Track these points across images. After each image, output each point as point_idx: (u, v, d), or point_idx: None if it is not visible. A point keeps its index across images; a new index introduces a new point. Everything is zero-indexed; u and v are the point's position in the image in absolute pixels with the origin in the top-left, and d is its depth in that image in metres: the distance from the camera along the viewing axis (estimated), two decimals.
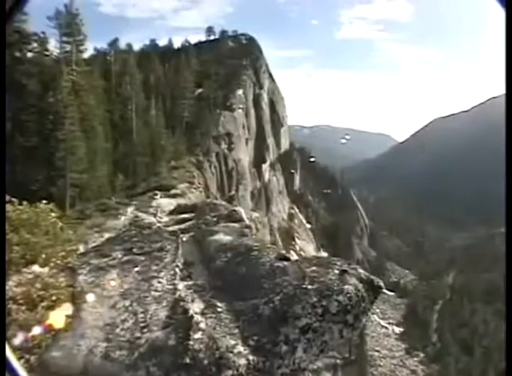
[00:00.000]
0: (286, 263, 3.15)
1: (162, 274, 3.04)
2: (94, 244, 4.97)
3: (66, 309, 2.79)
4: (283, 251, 3.48)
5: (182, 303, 2.80)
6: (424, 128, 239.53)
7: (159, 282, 2.94)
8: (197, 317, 2.73)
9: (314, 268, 3.22)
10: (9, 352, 1.69)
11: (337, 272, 3.21)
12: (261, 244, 3.53)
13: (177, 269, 3.13)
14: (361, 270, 3.31)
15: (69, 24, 35.27)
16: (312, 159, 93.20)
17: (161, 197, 20.29)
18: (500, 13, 1.82)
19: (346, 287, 3.09)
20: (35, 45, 33.73)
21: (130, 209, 15.45)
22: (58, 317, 2.75)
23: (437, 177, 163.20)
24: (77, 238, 5.72)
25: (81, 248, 5.09)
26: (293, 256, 3.39)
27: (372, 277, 3.35)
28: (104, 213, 20.97)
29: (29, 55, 32.96)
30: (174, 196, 20.07)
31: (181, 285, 2.94)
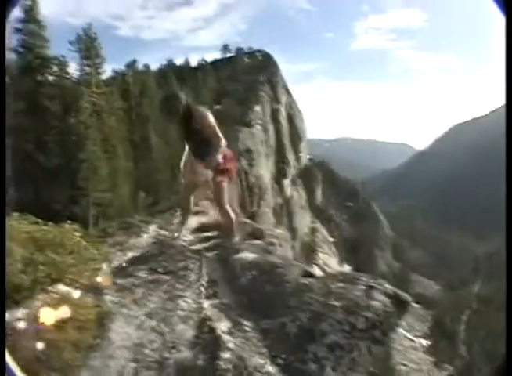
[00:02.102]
0: (311, 280, 3.13)
1: (187, 293, 3.04)
2: (118, 263, 4.98)
3: (94, 329, 2.81)
4: (308, 268, 3.46)
5: (208, 322, 2.79)
6: (443, 135, 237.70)
7: (185, 301, 2.94)
8: (225, 336, 2.72)
9: (340, 284, 3.19)
10: (8, 358, 1.70)
11: (363, 287, 3.18)
12: (285, 261, 3.52)
13: (202, 288, 3.13)
14: (387, 285, 3.26)
15: (88, 48, 36.24)
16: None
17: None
18: (501, 19, 1.82)
19: (373, 302, 3.05)
20: (56, 68, 34.69)
21: (152, 227, 15.49)
22: (86, 337, 2.77)
23: (457, 184, 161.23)
24: (100, 257, 5.76)
25: (105, 267, 5.12)
26: (317, 271, 3.37)
27: (399, 292, 3.30)
28: (126, 231, 21.05)
29: (50, 78, 33.87)
30: (196, 213, 20.08)
31: (206, 304, 2.94)
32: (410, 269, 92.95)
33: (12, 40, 31.91)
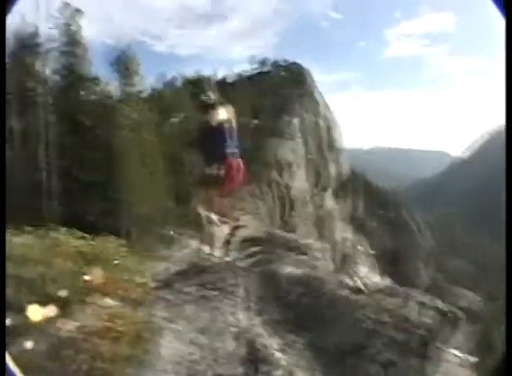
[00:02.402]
0: (362, 296, 3.07)
1: (236, 309, 3.03)
2: (162, 278, 5.04)
3: (146, 344, 2.83)
4: (357, 284, 3.40)
5: (259, 339, 2.77)
6: (481, 141, 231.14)
7: (234, 317, 2.93)
8: (276, 353, 2.70)
9: (390, 300, 3.12)
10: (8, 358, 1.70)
11: (413, 304, 3.10)
12: (333, 276, 3.48)
13: (251, 304, 3.12)
14: (438, 301, 3.17)
15: (126, 66, 37.26)
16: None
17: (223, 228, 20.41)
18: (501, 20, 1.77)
19: (424, 319, 2.97)
20: (96, 87, 35.82)
21: (192, 241, 15.66)
22: (138, 352, 2.80)
23: (495, 190, 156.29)
24: (144, 271, 5.86)
25: (150, 281, 5.19)
26: (360, 284, 3.31)
27: (451, 308, 3.20)
28: (166, 245, 21.39)
29: (91, 97, 34.94)
30: (236, 227, 20.17)
31: (256, 320, 2.92)
32: (452, 280, 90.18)
33: (56, 62, 33.19)
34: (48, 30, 32.25)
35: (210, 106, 5.07)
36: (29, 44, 33.82)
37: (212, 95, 5.16)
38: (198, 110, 5.22)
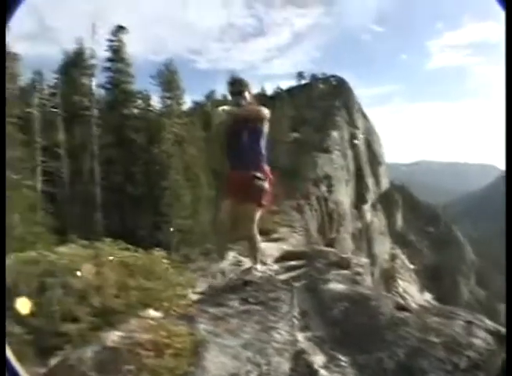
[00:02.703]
0: (406, 314, 2.99)
1: (280, 325, 3.00)
2: (202, 290, 5.06)
3: (190, 357, 2.84)
4: (401, 301, 3.32)
5: (303, 355, 2.73)
6: None
7: (278, 333, 2.89)
8: (322, 371, 2.65)
9: (436, 319, 3.02)
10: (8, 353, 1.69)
11: (462, 323, 2.99)
12: (376, 292, 3.40)
13: (294, 320, 3.08)
14: (488, 321, 3.05)
15: (169, 81, 38.19)
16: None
17: (263, 241, 20.43)
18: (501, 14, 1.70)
19: (474, 340, 2.85)
20: (140, 102, 36.79)
21: (232, 253, 15.66)
22: (182, 365, 2.80)
23: None
24: (185, 283, 5.90)
25: (190, 293, 5.22)
26: (404, 301, 3.20)
27: (500, 328, 3.07)
28: (207, 257, 21.49)
29: (135, 111, 35.89)
30: (275, 240, 20.14)
31: (300, 336, 2.88)
32: (496, 297, 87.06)
33: (100, 77, 34.31)
34: (92, 46, 33.48)
35: (244, 95, 4.56)
36: (78, 60, 35.12)
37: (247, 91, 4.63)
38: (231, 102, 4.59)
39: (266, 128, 4.63)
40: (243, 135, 4.47)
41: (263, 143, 4.60)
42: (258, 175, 4.47)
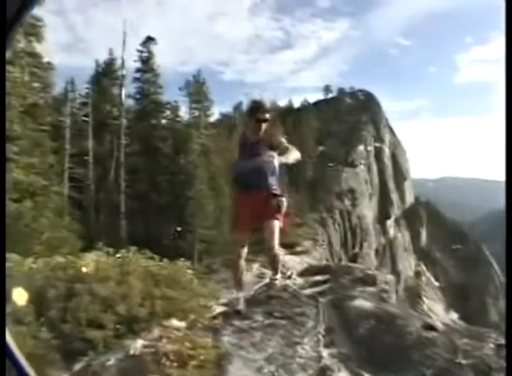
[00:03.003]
0: (434, 334, 2.93)
1: (305, 340, 2.97)
2: (229, 302, 5.05)
3: (213, 369, 2.83)
4: (430, 320, 3.26)
5: (328, 372, 2.69)
6: None
7: (303, 348, 2.87)
8: None
9: (465, 340, 2.95)
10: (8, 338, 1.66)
11: (492, 346, 2.91)
12: (404, 310, 3.35)
13: (320, 336, 3.04)
14: None
15: (197, 92, 38.76)
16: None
17: (286, 254, 20.46)
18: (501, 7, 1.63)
19: (504, 363, 2.78)
20: (168, 112, 37.30)
21: (255, 266, 15.69)
22: None
23: None
24: (209, 294, 5.90)
25: (214, 304, 5.22)
26: (439, 324, 3.14)
27: None
28: (230, 268, 21.54)
29: (163, 121, 36.38)
30: (299, 253, 20.13)
31: (325, 353, 2.85)
32: None
33: (130, 88, 34.95)
34: (122, 56, 34.16)
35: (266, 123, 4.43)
36: (109, 71, 35.86)
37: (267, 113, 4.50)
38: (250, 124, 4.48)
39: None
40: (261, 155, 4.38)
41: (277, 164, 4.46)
42: (275, 192, 4.41)
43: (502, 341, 3.05)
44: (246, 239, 4.56)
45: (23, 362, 1.63)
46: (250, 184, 4.38)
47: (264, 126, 4.39)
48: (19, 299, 3.63)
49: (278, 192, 4.42)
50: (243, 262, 4.47)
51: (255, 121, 4.38)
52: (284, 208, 4.41)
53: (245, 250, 4.51)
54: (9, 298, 3.10)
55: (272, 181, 4.41)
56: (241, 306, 3.92)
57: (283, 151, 4.35)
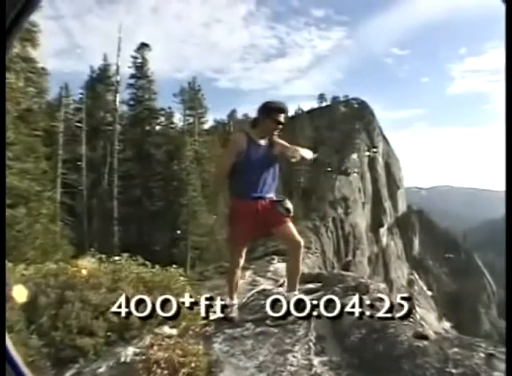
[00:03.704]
0: (425, 343, 2.95)
1: (296, 348, 2.97)
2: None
3: None
4: (421, 329, 3.27)
5: None
6: None
7: (294, 356, 2.87)
8: None
9: (456, 349, 2.96)
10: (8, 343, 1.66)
11: (482, 355, 2.93)
12: (396, 320, 3.36)
13: (311, 344, 3.05)
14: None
15: (192, 99, 38.90)
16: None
17: (278, 262, 20.41)
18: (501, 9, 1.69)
19: (495, 373, 2.79)
20: (162, 119, 37.39)
21: (248, 273, 15.64)
22: None
23: None
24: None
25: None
26: (431, 333, 3.15)
27: None
28: (223, 275, 21.48)
29: (157, 128, 36.42)
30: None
31: (316, 361, 2.86)
32: None
33: (124, 94, 34.99)
34: (117, 63, 34.25)
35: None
36: (103, 77, 35.88)
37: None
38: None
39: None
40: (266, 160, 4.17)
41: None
42: (279, 199, 4.19)
43: (492, 350, 3.07)
44: (245, 248, 4.29)
45: (23, 367, 1.64)
46: (255, 191, 4.07)
47: (278, 130, 4.16)
48: (19, 297, 3.62)
49: (280, 198, 4.24)
50: (239, 271, 4.32)
51: (272, 121, 4.09)
52: (292, 211, 4.16)
53: (243, 259, 4.29)
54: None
55: (275, 187, 4.26)
56: (234, 314, 3.85)
57: (293, 151, 4.04)
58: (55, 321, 3.90)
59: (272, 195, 4.19)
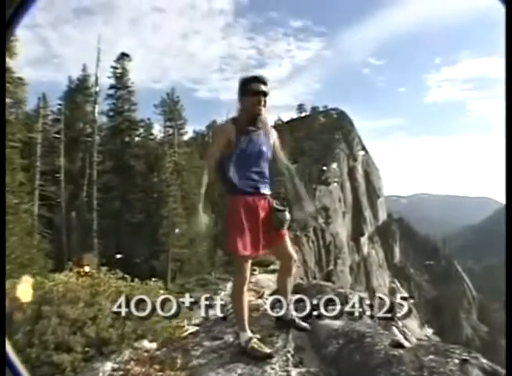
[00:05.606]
0: (401, 351, 2.98)
1: (274, 360, 2.99)
2: (199, 322, 5.02)
3: None
4: (397, 338, 3.30)
5: None
6: None
7: (272, 368, 2.88)
8: None
9: (431, 356, 3.00)
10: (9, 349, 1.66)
11: (457, 361, 2.97)
12: (373, 329, 3.39)
13: (289, 355, 3.06)
14: (483, 360, 3.03)
15: (171, 110, 38.78)
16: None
17: (260, 273, 20.41)
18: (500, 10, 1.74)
19: None
20: (142, 130, 37.15)
21: (229, 285, 15.59)
22: None
23: None
24: (182, 314, 5.82)
25: (186, 325, 5.17)
26: (405, 341, 3.18)
27: (496, 367, 3.05)
28: (204, 288, 21.39)
29: (136, 139, 36.17)
30: (272, 271, 20.07)
31: (294, 372, 2.87)
32: (499, 333, 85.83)
33: (103, 105, 34.73)
34: (96, 73, 34.05)
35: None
36: (82, 87, 35.61)
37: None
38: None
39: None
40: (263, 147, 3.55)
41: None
42: (277, 207, 3.50)
43: (466, 356, 3.11)
44: (251, 258, 3.42)
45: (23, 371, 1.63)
46: (248, 185, 3.38)
47: (263, 101, 3.42)
48: (23, 296, 3.56)
49: (280, 206, 3.54)
50: (246, 291, 3.45)
51: (251, 95, 3.40)
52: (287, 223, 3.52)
53: (248, 274, 3.48)
54: None
55: (271, 181, 3.60)
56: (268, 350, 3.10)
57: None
58: (31, 337, 3.85)
59: (268, 191, 3.51)
